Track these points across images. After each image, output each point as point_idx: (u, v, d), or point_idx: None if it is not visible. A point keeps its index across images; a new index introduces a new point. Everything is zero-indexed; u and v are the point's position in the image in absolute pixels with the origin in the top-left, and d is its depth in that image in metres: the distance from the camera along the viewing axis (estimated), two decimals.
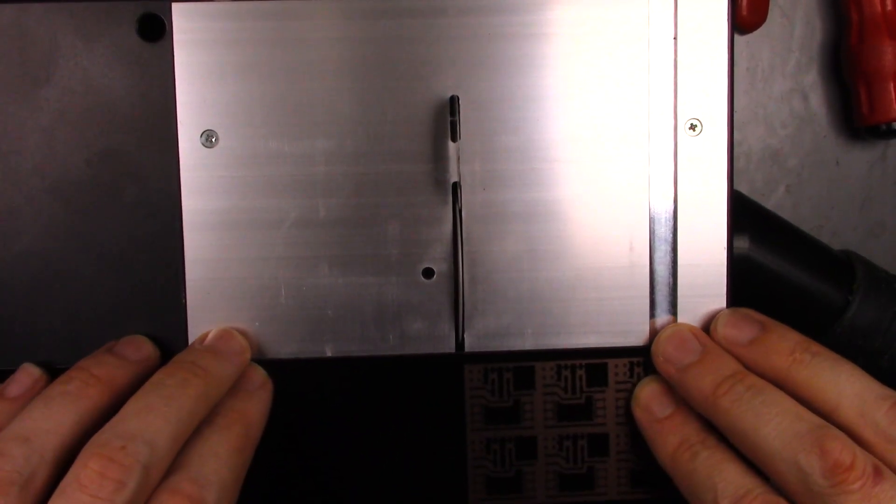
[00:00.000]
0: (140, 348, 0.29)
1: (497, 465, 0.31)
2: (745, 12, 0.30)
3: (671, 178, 0.30)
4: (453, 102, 0.29)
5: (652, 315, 0.30)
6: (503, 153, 0.30)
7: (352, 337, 0.30)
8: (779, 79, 0.32)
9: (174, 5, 0.29)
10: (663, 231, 0.31)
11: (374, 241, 0.30)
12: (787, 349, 0.28)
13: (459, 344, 0.30)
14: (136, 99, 0.30)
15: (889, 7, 0.30)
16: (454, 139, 0.29)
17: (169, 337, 0.30)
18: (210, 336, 0.30)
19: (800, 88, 0.32)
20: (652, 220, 0.30)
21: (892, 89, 0.30)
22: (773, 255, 0.32)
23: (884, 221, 0.34)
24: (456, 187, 0.29)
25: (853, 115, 0.31)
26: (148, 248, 0.30)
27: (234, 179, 0.30)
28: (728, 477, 0.26)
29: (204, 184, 0.30)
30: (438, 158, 0.30)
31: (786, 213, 0.35)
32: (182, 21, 0.29)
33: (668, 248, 0.31)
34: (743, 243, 0.32)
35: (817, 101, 0.32)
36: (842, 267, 0.33)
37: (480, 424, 0.31)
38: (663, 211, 0.31)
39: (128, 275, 0.30)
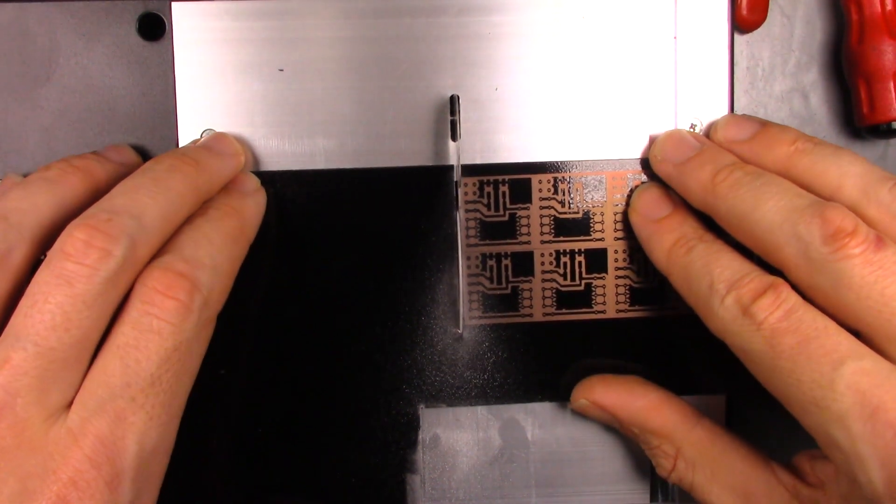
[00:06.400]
0: (122, 152, 0.29)
1: (493, 281, 0.30)
2: (745, 12, 0.30)
3: None
4: (453, 102, 0.29)
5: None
6: (503, 152, 0.30)
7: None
8: (779, 78, 0.32)
9: (174, 4, 0.29)
10: None
11: None
12: (788, 139, 0.27)
13: (460, 337, 0.30)
14: (136, 98, 0.30)
15: (889, 7, 0.30)
16: (454, 138, 0.29)
17: None
18: (203, 138, 0.29)
19: (800, 88, 0.32)
20: None
21: (892, 89, 0.30)
22: None
23: None
24: (456, 186, 0.29)
25: (853, 115, 0.31)
26: None
27: None
28: (724, 263, 0.26)
29: None
30: (438, 158, 0.30)
31: None
32: (182, 20, 0.29)
33: None
34: None
35: (817, 101, 0.32)
36: None
37: (476, 240, 0.30)
38: None
39: None
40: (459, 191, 0.29)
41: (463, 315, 0.30)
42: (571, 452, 0.31)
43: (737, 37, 0.31)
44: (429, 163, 0.30)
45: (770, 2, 0.31)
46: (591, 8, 0.30)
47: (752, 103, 0.32)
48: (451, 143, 0.30)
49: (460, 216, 0.29)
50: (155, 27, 0.29)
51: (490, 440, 0.31)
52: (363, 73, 0.30)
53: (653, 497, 0.31)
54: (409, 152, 0.30)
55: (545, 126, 0.30)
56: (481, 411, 0.31)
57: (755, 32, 0.31)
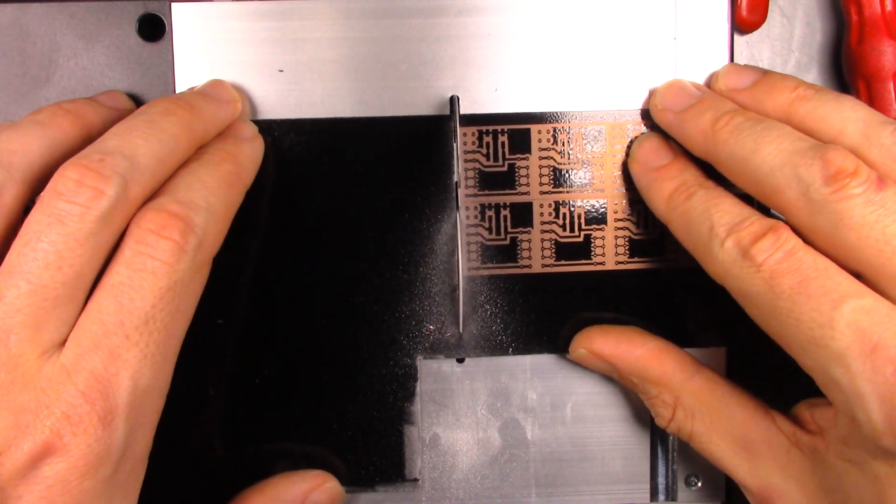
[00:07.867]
0: (115, 98, 0.29)
1: (491, 232, 0.30)
2: (745, 12, 0.30)
3: None
4: (453, 102, 0.29)
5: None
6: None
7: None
8: None
9: (174, 5, 0.29)
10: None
11: None
12: (789, 86, 0.27)
13: (461, 342, 0.30)
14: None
15: (889, 7, 0.30)
16: (454, 139, 0.29)
17: None
18: (200, 85, 0.29)
19: None
20: None
21: (892, 89, 0.30)
22: None
23: None
24: (456, 187, 0.29)
25: None
26: None
27: None
28: (724, 208, 0.26)
29: None
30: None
31: None
32: (182, 21, 0.29)
33: None
34: None
35: None
36: None
37: (474, 190, 0.30)
38: None
39: None
40: (460, 191, 0.29)
41: (461, 266, 0.30)
42: (571, 452, 0.31)
43: (737, 37, 0.31)
44: (428, 122, 0.30)
45: (770, 2, 0.31)
46: (592, 8, 0.30)
47: None
48: (452, 143, 0.30)
49: (460, 215, 0.29)
50: (155, 28, 0.30)
51: (490, 440, 0.31)
52: (363, 74, 0.30)
53: (653, 497, 0.31)
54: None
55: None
56: (481, 411, 0.31)
57: (755, 33, 0.31)
